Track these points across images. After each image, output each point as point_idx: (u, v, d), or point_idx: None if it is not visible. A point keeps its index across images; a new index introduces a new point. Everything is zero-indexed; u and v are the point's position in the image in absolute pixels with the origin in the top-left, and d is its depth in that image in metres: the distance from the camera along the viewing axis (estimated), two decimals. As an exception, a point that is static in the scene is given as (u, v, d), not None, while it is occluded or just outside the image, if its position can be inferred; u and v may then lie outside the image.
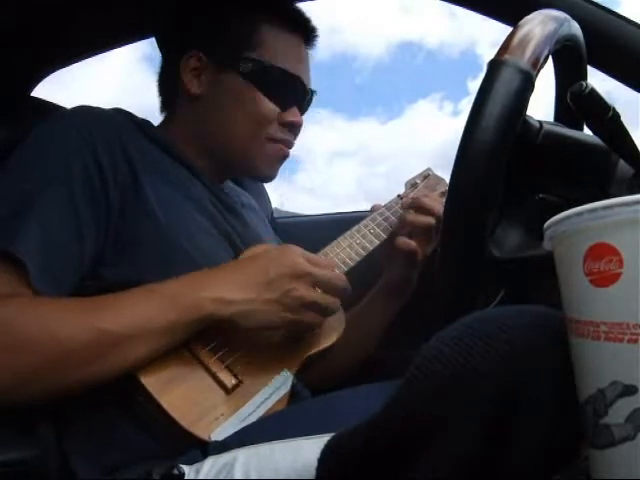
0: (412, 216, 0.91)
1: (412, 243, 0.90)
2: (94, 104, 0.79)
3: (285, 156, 0.87)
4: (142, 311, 0.65)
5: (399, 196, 0.99)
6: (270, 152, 0.85)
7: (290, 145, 0.87)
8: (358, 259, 0.88)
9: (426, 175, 1.03)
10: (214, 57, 0.83)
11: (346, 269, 0.86)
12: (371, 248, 0.91)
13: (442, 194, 0.98)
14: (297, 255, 0.74)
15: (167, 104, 0.89)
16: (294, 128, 0.86)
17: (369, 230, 0.92)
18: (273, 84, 0.82)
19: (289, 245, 0.77)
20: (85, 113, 0.76)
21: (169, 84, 0.88)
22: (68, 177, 0.69)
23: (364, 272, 0.94)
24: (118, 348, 0.64)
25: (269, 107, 0.82)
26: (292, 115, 0.84)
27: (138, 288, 0.67)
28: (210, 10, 0.84)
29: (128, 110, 0.84)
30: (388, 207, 0.96)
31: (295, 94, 0.85)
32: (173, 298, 0.66)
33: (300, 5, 0.94)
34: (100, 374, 0.64)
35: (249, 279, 0.70)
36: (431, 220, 0.89)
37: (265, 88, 0.82)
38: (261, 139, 0.84)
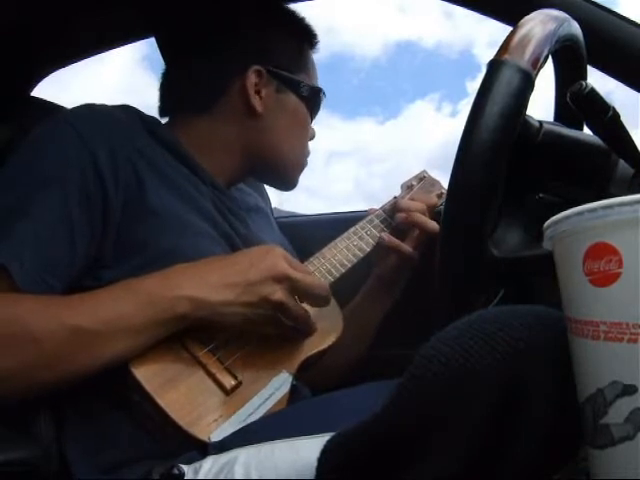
0: (406, 214, 0.93)
1: (402, 245, 0.92)
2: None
3: None
4: (119, 308, 0.65)
5: (395, 198, 0.99)
6: (304, 167, 0.94)
7: None
8: (355, 261, 0.89)
9: (422, 177, 1.03)
10: (274, 74, 0.86)
11: (343, 270, 0.86)
12: (368, 250, 0.91)
13: (438, 196, 0.99)
14: (279, 258, 0.72)
15: (188, 108, 0.86)
16: (311, 141, 0.95)
17: (366, 232, 0.92)
18: (316, 105, 0.92)
19: (273, 246, 0.77)
20: (87, 113, 0.76)
21: (206, 91, 0.85)
22: (64, 180, 0.69)
23: (361, 274, 0.95)
24: (94, 345, 0.64)
25: (310, 125, 0.92)
26: (312, 129, 0.94)
27: (117, 284, 0.67)
28: (267, 24, 0.88)
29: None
30: (385, 209, 0.96)
31: (319, 111, 0.94)
32: (150, 296, 0.66)
33: (298, 5, 0.94)
34: (76, 372, 0.64)
35: (228, 280, 0.69)
36: (421, 217, 0.92)
37: (311, 109, 0.90)
38: (305, 156, 0.93)
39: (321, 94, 0.91)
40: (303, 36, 0.91)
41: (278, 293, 0.70)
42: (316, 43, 0.93)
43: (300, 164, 0.92)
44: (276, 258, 0.72)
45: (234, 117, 0.85)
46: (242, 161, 0.87)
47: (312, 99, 0.90)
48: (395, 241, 0.93)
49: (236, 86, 0.84)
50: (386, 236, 0.93)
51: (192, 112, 0.86)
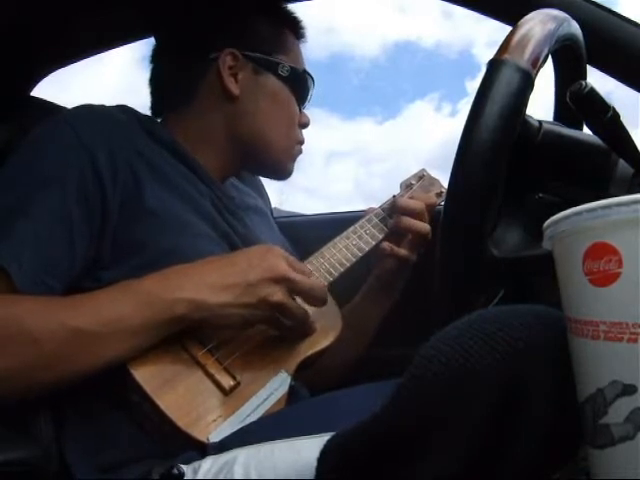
0: (397, 219, 0.92)
1: (398, 250, 0.92)
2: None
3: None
4: (118, 309, 0.65)
5: (395, 197, 0.99)
6: (296, 154, 0.92)
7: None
8: (354, 260, 0.88)
9: (421, 176, 1.03)
10: (250, 57, 0.85)
11: (342, 270, 0.86)
12: (367, 249, 0.91)
13: (437, 194, 1.00)
14: (279, 258, 0.72)
15: (175, 103, 0.87)
16: (305, 128, 0.93)
17: (365, 231, 0.92)
18: (301, 88, 0.89)
19: (272, 246, 0.76)
20: (86, 114, 0.76)
21: (185, 82, 0.86)
22: (64, 180, 0.69)
23: (361, 273, 0.95)
24: (93, 346, 0.64)
25: (297, 110, 0.90)
26: (304, 117, 0.92)
27: (116, 285, 0.67)
28: (241, 9, 0.87)
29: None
30: (384, 208, 0.96)
31: (307, 96, 0.92)
32: (149, 297, 0.66)
33: (297, 5, 0.94)
34: (75, 372, 0.64)
35: (228, 281, 0.69)
36: (412, 221, 0.91)
37: (296, 92, 0.88)
38: (293, 141, 0.90)
39: (306, 76, 0.90)
40: (282, 20, 0.90)
41: (277, 294, 0.70)
42: (300, 30, 0.92)
43: (286, 147, 0.90)
44: (275, 258, 0.72)
45: (215, 103, 0.85)
46: (230, 150, 0.87)
47: (295, 81, 0.88)
48: (395, 248, 0.92)
49: (212, 71, 0.85)
50: (387, 246, 0.92)
51: (178, 105, 0.87)
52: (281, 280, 0.71)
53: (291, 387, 0.74)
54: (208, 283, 0.68)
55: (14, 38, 0.97)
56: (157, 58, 0.91)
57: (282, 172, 0.93)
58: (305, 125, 0.92)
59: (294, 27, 0.91)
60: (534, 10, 0.60)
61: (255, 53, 0.85)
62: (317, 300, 0.76)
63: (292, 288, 0.72)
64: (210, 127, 0.86)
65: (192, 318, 0.67)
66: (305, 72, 0.90)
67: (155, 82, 0.90)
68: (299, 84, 0.89)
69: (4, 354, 0.61)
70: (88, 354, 0.64)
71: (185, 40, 0.88)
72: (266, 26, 0.87)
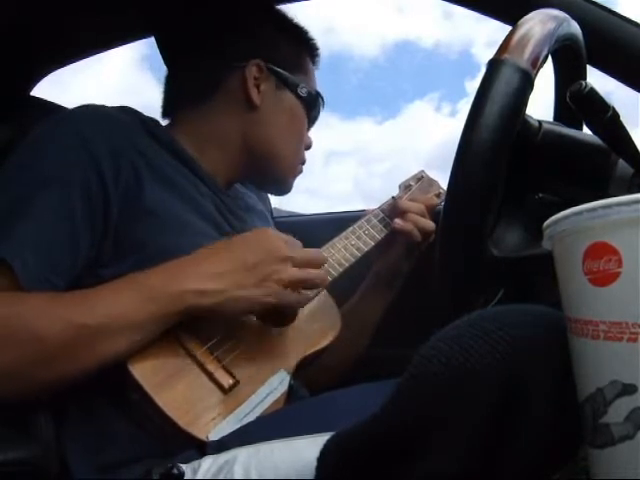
0: (401, 219, 0.93)
1: (414, 230, 0.92)
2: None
3: None
4: (122, 304, 0.65)
5: (393, 198, 0.99)
6: (298, 173, 0.94)
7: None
8: (353, 260, 0.89)
9: (420, 177, 1.04)
10: (273, 71, 0.87)
11: (341, 270, 0.87)
12: (366, 249, 0.91)
13: (437, 195, 1.00)
14: (275, 238, 0.73)
15: (187, 104, 0.88)
16: (307, 150, 0.95)
17: (364, 231, 0.93)
18: (314, 110, 0.92)
19: (263, 228, 0.78)
20: (88, 114, 0.76)
21: (199, 85, 0.87)
22: (65, 180, 0.69)
23: (359, 273, 0.95)
24: (98, 342, 0.64)
25: (306, 130, 0.93)
26: (309, 138, 0.95)
27: (120, 280, 0.67)
28: (268, 27, 0.90)
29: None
30: (383, 209, 0.96)
31: (317, 118, 0.95)
32: (153, 290, 0.66)
33: (297, 5, 0.95)
34: (78, 369, 0.64)
35: (228, 267, 0.69)
36: (417, 217, 0.93)
37: (308, 113, 0.91)
38: (298, 161, 0.93)
39: (319, 99, 0.92)
40: (303, 43, 0.93)
41: (280, 272, 0.71)
42: (316, 56, 0.94)
43: (294, 165, 0.92)
44: (272, 239, 0.73)
45: (232, 109, 0.86)
46: (239, 157, 0.87)
47: (310, 102, 0.90)
48: (408, 226, 0.93)
49: (236, 78, 0.85)
50: (398, 222, 0.92)
51: (192, 107, 0.87)
52: (281, 258, 0.71)
53: (290, 386, 0.74)
54: (209, 272, 0.69)
55: (14, 38, 0.97)
56: (179, 61, 0.91)
57: (283, 187, 0.95)
58: (309, 146, 0.95)
59: (312, 52, 0.94)
60: (534, 10, 0.60)
61: (279, 69, 0.87)
62: (319, 267, 0.77)
63: (293, 263, 0.73)
64: (223, 131, 0.86)
65: (199, 306, 0.67)
66: (319, 95, 0.92)
67: (172, 84, 0.91)
68: (313, 106, 0.92)
69: (8, 352, 0.61)
70: (92, 350, 0.64)
71: (214, 47, 0.88)
72: (288, 45, 0.90)
